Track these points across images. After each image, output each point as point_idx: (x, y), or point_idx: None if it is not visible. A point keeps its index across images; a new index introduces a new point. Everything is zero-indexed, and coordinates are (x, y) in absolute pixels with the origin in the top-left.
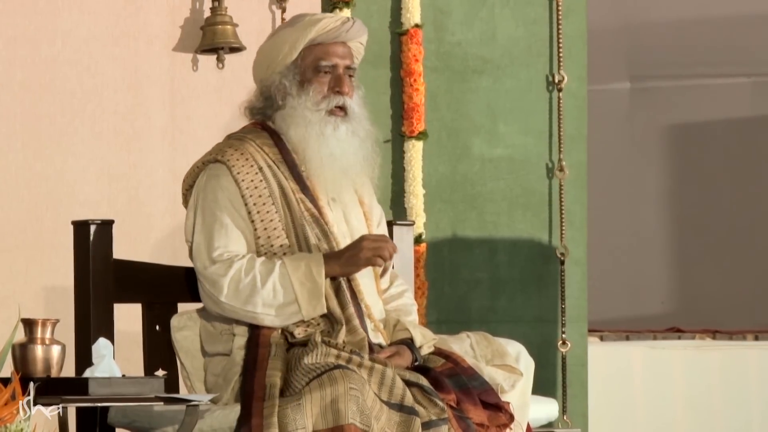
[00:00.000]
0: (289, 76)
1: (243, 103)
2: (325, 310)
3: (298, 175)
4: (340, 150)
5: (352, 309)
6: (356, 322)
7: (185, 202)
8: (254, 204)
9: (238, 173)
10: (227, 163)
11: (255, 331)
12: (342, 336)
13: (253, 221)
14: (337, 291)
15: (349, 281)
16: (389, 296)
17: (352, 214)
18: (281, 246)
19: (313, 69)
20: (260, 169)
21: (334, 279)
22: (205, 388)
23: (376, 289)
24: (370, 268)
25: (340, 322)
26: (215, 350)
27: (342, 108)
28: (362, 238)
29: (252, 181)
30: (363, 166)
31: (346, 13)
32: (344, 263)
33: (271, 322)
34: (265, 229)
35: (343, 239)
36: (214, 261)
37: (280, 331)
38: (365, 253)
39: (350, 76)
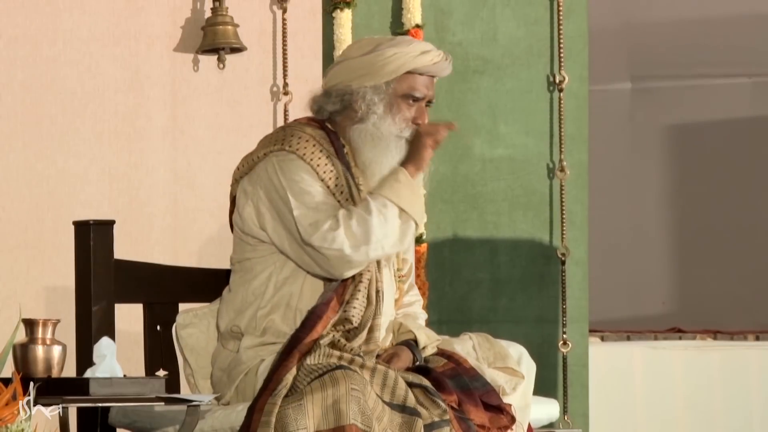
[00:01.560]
0: (380, 94)
1: (312, 95)
2: (424, 214)
3: (351, 177)
4: None
5: (381, 320)
6: (378, 333)
7: (234, 192)
8: (335, 186)
9: (311, 160)
10: (297, 153)
11: (314, 313)
12: (359, 341)
13: (339, 201)
14: (371, 300)
15: (377, 284)
16: (400, 305)
17: None
18: None
19: (404, 96)
20: (328, 156)
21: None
22: (210, 382)
23: (393, 301)
24: (392, 280)
25: (363, 328)
26: (235, 325)
27: None
28: (419, 135)
29: (326, 165)
30: None
31: (347, 14)
32: (416, 164)
33: (393, 247)
34: (347, 200)
35: None
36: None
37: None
38: (427, 151)
39: (428, 106)
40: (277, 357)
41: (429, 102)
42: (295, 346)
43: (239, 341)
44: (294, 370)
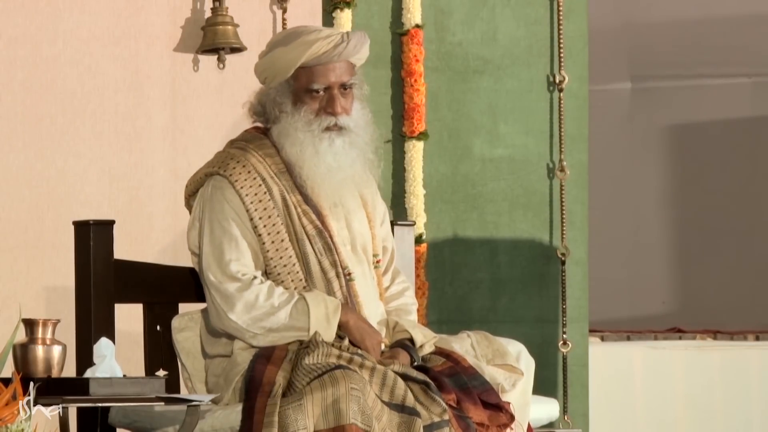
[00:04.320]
0: (283, 93)
1: (246, 103)
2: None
3: (301, 185)
4: (337, 163)
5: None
6: None
7: (188, 207)
8: (260, 218)
9: (242, 187)
10: (229, 179)
11: None
12: (347, 342)
13: (260, 235)
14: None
15: (349, 290)
16: (390, 295)
17: (354, 219)
18: (290, 258)
19: (305, 91)
20: (263, 180)
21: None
22: (206, 389)
23: (378, 294)
24: (371, 271)
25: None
26: (215, 352)
27: (336, 125)
28: (374, 341)
29: (256, 194)
30: (363, 172)
31: (347, 14)
32: (356, 330)
33: (266, 343)
34: (273, 242)
35: (343, 247)
36: (233, 277)
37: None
38: (372, 351)
39: (346, 89)
40: (254, 359)
41: (344, 84)
42: (270, 356)
43: (231, 341)
44: (285, 373)
